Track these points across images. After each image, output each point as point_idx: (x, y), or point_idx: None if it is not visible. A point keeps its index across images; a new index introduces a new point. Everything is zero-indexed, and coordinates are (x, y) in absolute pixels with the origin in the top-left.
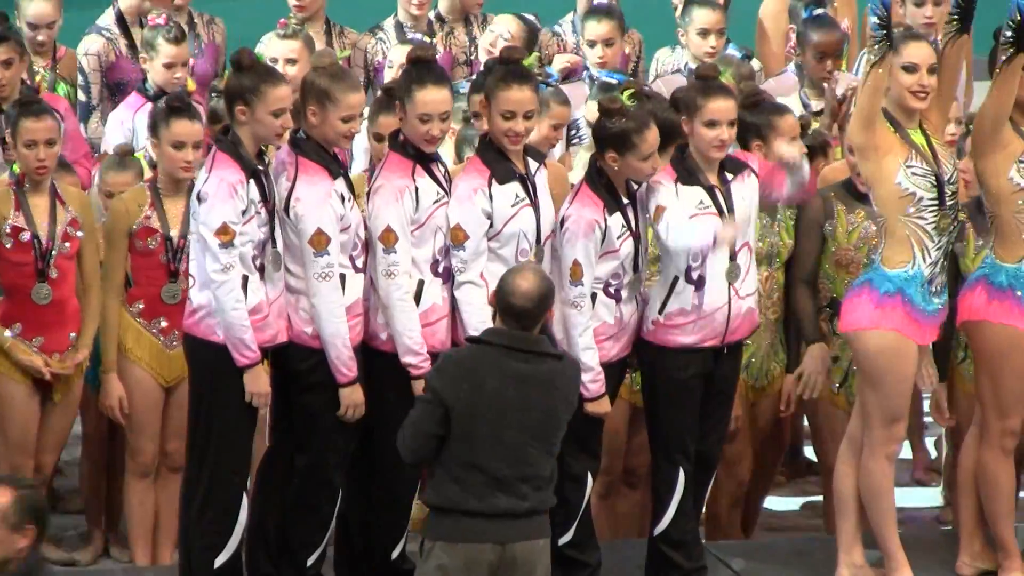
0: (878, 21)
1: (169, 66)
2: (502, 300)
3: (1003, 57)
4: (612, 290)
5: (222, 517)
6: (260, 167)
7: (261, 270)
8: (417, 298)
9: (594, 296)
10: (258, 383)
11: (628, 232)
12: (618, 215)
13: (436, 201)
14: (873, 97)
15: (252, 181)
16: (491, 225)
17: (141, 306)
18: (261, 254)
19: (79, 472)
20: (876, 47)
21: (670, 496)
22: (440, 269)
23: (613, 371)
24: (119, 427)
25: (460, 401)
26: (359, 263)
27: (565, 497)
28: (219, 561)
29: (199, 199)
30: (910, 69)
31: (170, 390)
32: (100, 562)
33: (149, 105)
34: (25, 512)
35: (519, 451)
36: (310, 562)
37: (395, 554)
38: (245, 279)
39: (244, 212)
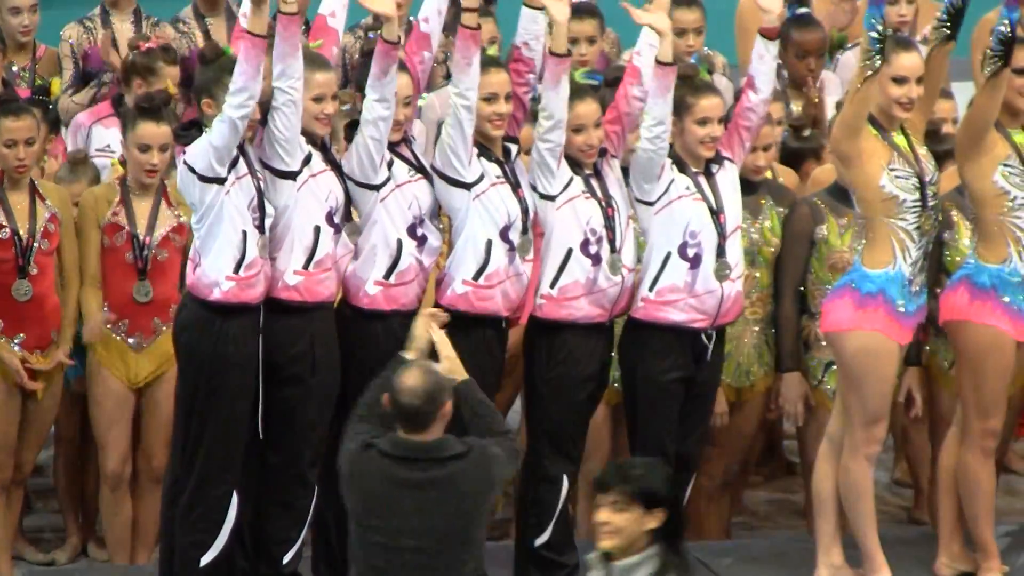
0: (876, 35)
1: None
2: (392, 401)
3: (989, 69)
4: (590, 250)
5: (210, 515)
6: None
7: (259, 229)
8: (396, 258)
9: (571, 252)
10: None
11: (592, 196)
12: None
13: (408, 180)
14: (861, 108)
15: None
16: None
17: (105, 307)
18: (259, 215)
19: (53, 472)
20: (869, 61)
21: None
22: (418, 233)
23: (578, 332)
24: (90, 427)
25: (353, 504)
26: (337, 219)
27: (539, 498)
28: (205, 559)
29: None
30: (900, 81)
31: (141, 392)
32: (78, 561)
33: (112, 119)
34: None
35: (421, 558)
36: (286, 559)
37: (288, 561)
38: (244, 234)
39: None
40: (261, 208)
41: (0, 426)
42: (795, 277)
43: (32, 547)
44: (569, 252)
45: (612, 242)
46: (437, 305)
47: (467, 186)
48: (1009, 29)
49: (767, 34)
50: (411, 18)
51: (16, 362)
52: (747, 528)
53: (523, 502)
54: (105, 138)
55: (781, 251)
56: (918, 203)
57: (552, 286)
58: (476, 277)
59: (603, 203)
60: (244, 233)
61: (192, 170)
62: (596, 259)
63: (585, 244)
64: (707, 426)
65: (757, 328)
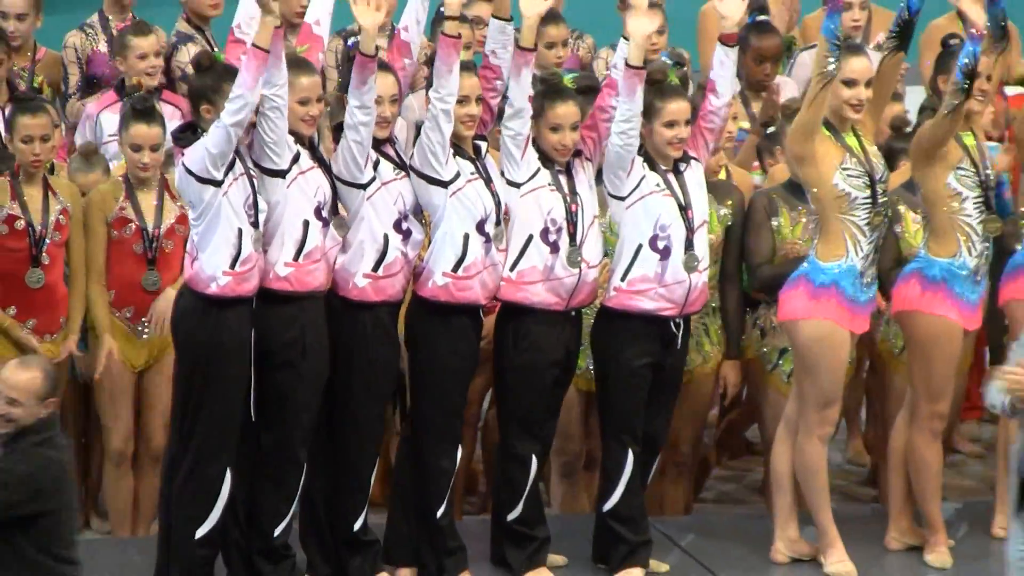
0: (836, 43)
1: (142, 57)
2: None
3: (953, 101)
4: (549, 239)
5: (206, 491)
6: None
7: (254, 225)
8: (383, 252)
9: (531, 238)
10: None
11: (557, 190)
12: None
13: (394, 178)
14: (817, 112)
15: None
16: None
17: (112, 294)
18: (254, 212)
19: None
20: (826, 67)
21: (619, 475)
22: (403, 228)
23: (540, 319)
24: (93, 406)
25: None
26: (325, 213)
27: (510, 477)
28: (200, 532)
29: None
30: (849, 83)
31: (141, 374)
32: (81, 533)
33: (118, 104)
34: (49, 386)
35: None
36: (277, 532)
37: (357, 526)
38: (240, 231)
39: (221, 178)
40: (255, 205)
41: None
42: (759, 256)
43: None
44: (529, 238)
45: (572, 235)
46: (417, 296)
47: (445, 184)
48: (972, 62)
49: (727, 40)
50: (393, 24)
51: (34, 343)
52: (708, 504)
53: (497, 480)
54: (114, 124)
55: (728, 242)
56: (869, 200)
57: (512, 269)
58: (455, 269)
59: (567, 198)
60: (240, 230)
61: (190, 172)
62: (554, 247)
63: (545, 232)
64: (672, 411)
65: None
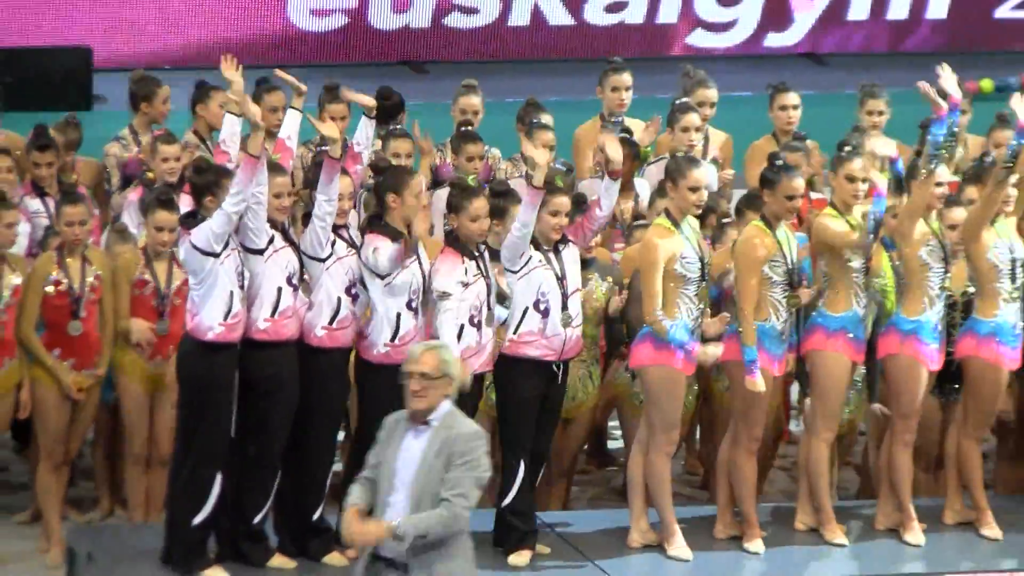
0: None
1: (165, 160)
2: None
3: (923, 172)
4: (475, 320)
5: (201, 490)
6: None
7: (241, 288)
8: (336, 310)
9: (463, 327)
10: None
11: (481, 276)
12: (473, 263)
13: (347, 254)
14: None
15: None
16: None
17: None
18: (241, 279)
19: (92, 456)
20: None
21: (513, 480)
22: (352, 292)
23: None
24: (120, 423)
25: None
26: (295, 281)
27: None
28: (196, 520)
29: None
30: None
31: (155, 397)
32: (108, 520)
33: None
34: None
35: None
36: (256, 520)
37: (315, 517)
38: (231, 293)
39: (219, 252)
40: (243, 274)
41: (56, 423)
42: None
43: (75, 510)
44: (526, 310)
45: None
46: (362, 360)
47: (382, 277)
48: (1018, 145)
49: (613, 176)
50: (347, 139)
51: (68, 381)
52: (581, 502)
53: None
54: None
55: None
56: (698, 278)
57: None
58: (392, 339)
59: (488, 284)
60: (231, 292)
61: (196, 247)
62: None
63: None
64: (554, 430)
65: (582, 364)
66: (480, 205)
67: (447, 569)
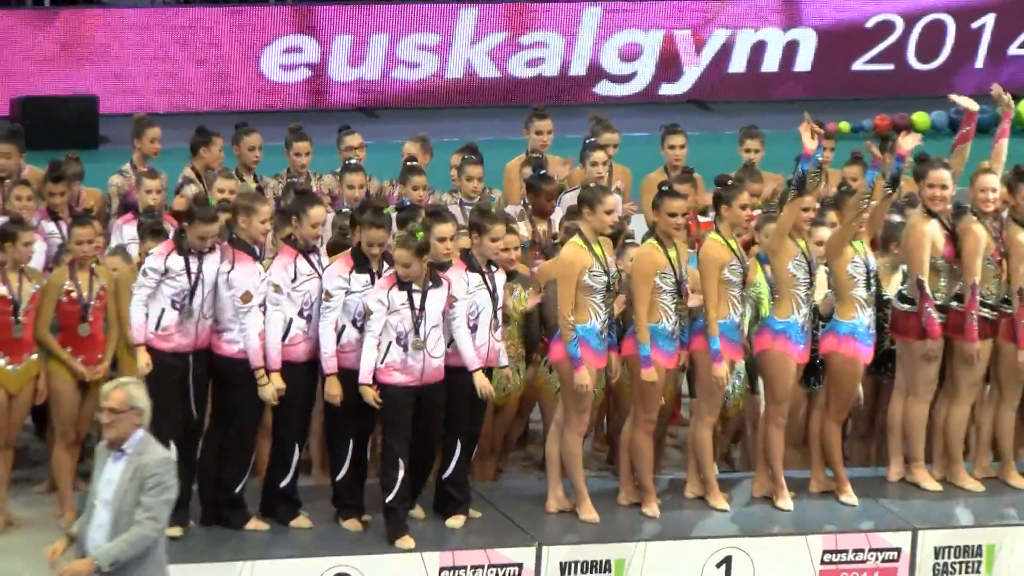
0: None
1: (148, 191)
2: None
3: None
4: (402, 342)
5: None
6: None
7: (179, 310)
8: (287, 329)
9: (391, 343)
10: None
11: (409, 307)
12: (404, 293)
13: (308, 276)
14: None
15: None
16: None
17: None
18: (182, 302)
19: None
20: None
21: (451, 456)
22: (306, 314)
23: (398, 392)
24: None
25: None
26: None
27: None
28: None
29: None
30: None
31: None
32: None
33: (132, 218)
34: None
35: None
36: (237, 490)
37: (282, 485)
38: (162, 310)
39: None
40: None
41: (68, 409)
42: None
43: (85, 482)
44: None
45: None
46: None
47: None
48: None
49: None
50: (310, 173)
51: (81, 370)
52: (509, 474)
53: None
54: (131, 231)
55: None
56: (604, 287)
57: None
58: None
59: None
60: (163, 310)
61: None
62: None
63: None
64: (483, 415)
65: (511, 360)
66: (446, 228)
67: (144, 573)
